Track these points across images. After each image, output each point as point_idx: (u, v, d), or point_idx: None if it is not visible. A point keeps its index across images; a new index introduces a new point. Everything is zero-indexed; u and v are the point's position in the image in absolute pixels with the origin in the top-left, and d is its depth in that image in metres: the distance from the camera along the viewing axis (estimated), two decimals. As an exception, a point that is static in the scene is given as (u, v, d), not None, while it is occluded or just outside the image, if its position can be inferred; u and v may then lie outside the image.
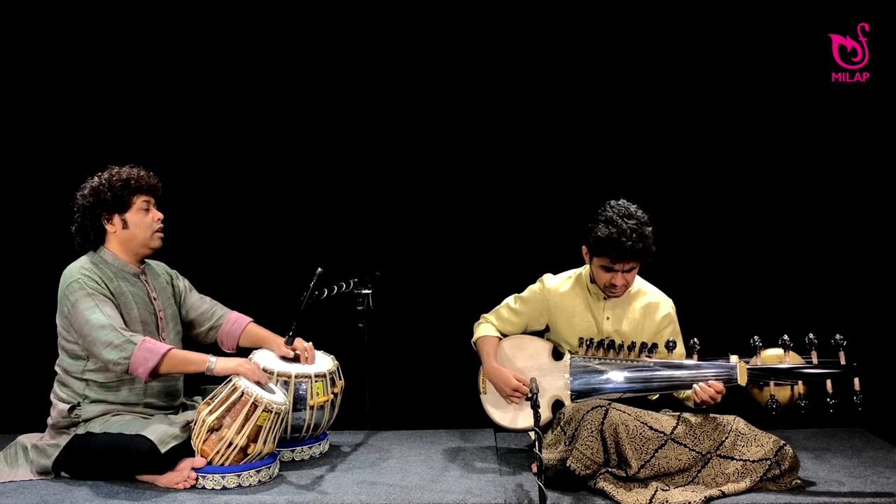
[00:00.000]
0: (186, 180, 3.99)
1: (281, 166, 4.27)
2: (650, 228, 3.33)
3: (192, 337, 3.60)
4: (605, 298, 3.47)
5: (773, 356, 3.26)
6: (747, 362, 3.25)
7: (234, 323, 3.57)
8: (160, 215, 3.38)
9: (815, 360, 3.20)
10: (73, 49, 4.16)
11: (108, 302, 3.25)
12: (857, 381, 3.15)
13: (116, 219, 3.32)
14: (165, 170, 3.47)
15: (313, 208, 4.27)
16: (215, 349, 3.54)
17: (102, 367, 3.24)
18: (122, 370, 3.20)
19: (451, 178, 4.27)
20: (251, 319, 3.61)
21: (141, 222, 3.34)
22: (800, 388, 3.19)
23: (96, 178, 3.35)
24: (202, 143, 4.25)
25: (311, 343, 3.57)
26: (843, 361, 3.18)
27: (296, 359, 3.53)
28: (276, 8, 4.19)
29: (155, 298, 3.43)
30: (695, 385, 3.24)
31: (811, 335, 3.21)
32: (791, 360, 3.23)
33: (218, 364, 3.24)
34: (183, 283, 3.59)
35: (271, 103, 4.25)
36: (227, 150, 4.26)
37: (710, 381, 3.22)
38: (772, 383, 3.21)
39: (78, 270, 3.27)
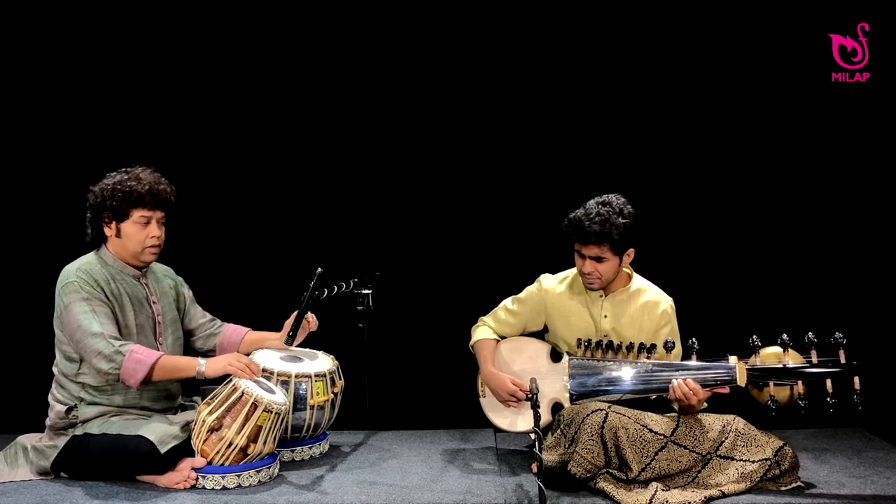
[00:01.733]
0: (187, 180, 3.96)
1: (281, 166, 4.27)
2: (626, 221, 3.28)
3: (190, 344, 3.60)
4: (601, 297, 3.47)
5: (772, 355, 3.25)
6: (746, 362, 3.23)
7: (234, 332, 3.60)
8: (157, 232, 3.32)
9: (814, 359, 3.18)
10: (76, 48, 4.16)
11: (103, 307, 3.24)
12: (857, 380, 3.12)
13: (113, 225, 3.31)
14: (166, 169, 3.46)
15: (313, 208, 4.27)
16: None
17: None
18: (112, 380, 3.21)
19: (451, 178, 4.27)
20: (249, 329, 3.64)
21: (134, 236, 3.30)
22: (799, 387, 3.17)
23: (109, 179, 3.33)
24: (203, 143, 4.25)
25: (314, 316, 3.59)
26: (842, 360, 3.16)
27: (297, 358, 3.54)
28: (277, 8, 4.19)
29: (154, 302, 3.42)
30: (672, 380, 3.22)
31: (810, 334, 3.18)
32: (790, 359, 3.21)
33: (208, 366, 3.23)
34: (188, 292, 3.59)
35: (272, 103, 4.25)
36: (228, 149, 4.26)
37: (687, 381, 3.20)
38: (771, 383, 3.20)
39: (74, 272, 3.26)
